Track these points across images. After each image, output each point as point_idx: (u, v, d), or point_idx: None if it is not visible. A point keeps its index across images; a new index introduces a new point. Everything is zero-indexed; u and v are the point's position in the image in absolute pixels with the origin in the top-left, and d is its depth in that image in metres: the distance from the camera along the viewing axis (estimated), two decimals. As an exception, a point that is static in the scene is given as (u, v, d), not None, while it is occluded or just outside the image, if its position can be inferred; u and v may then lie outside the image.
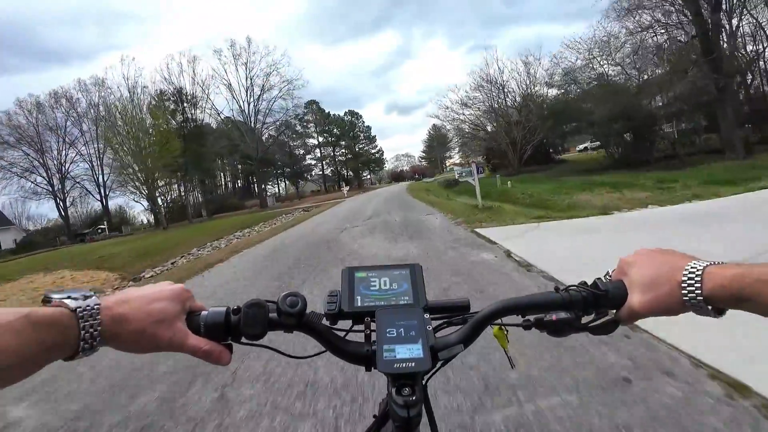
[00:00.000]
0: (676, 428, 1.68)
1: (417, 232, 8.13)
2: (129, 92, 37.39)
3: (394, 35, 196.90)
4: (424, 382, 0.55)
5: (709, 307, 0.46)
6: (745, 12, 18.73)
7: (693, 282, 0.46)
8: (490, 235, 6.54)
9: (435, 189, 29.38)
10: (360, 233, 9.65)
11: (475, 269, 4.71)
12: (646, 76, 21.63)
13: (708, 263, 0.47)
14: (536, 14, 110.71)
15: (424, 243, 6.79)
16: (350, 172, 76.01)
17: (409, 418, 0.48)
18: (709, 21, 17.37)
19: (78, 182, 49.43)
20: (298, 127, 66.55)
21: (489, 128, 27.03)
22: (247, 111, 48.63)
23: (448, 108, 28.67)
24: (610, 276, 0.59)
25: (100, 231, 51.15)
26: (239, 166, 62.14)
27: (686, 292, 0.47)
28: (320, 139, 71.36)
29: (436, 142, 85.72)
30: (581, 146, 47.54)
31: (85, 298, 0.45)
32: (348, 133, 73.18)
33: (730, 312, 0.47)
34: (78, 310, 0.43)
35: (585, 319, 0.57)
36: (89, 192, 50.34)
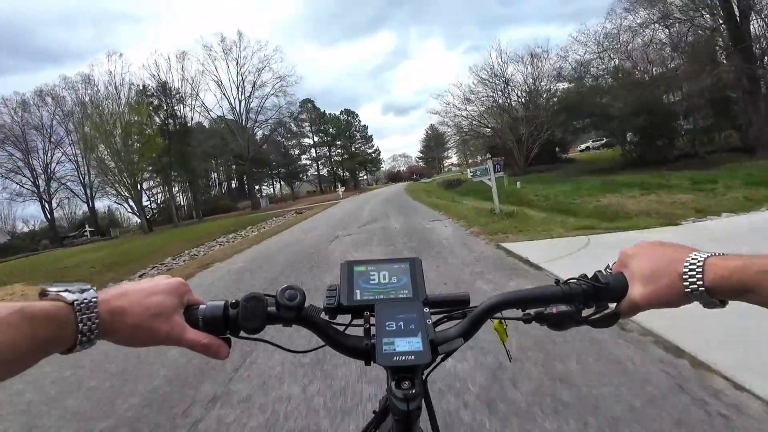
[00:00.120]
0: None
1: (424, 246, 6.45)
2: (115, 89, 35.77)
3: (390, 36, 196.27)
4: (423, 376, 0.56)
5: (712, 299, 0.45)
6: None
7: (694, 273, 0.46)
8: (526, 253, 4.85)
9: (435, 190, 27.86)
10: (353, 244, 8.00)
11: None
12: (660, 69, 20.20)
13: (709, 254, 0.46)
14: (532, 15, 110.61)
15: (436, 263, 5.11)
16: (346, 173, 74.19)
17: (408, 411, 0.47)
18: (737, 6, 15.86)
19: (63, 183, 47.43)
20: (293, 127, 64.75)
21: (493, 125, 25.30)
22: (238, 109, 46.74)
23: (449, 104, 26.97)
24: (611, 268, 0.58)
25: (85, 234, 49.34)
26: (233, 167, 60.08)
27: (687, 283, 0.46)
28: (315, 138, 69.56)
29: (434, 143, 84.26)
30: (583, 146, 46.04)
31: (83, 291, 0.45)
32: (344, 133, 71.36)
33: None
34: (75, 303, 0.43)
35: (586, 312, 0.56)
36: (75, 193, 48.32)
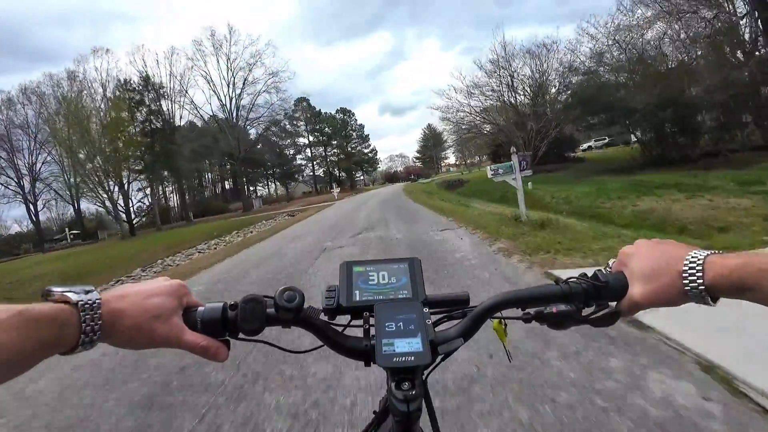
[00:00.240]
0: None
1: (438, 269, 4.80)
2: (101, 86, 33.82)
3: (387, 36, 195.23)
4: (423, 376, 0.55)
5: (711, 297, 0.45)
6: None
7: (694, 272, 0.45)
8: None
9: (436, 191, 26.31)
10: (344, 259, 6.33)
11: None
12: (680, 58, 18.77)
13: (709, 253, 0.46)
14: (529, 16, 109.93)
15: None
16: (342, 173, 72.42)
17: (408, 412, 0.47)
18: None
19: (48, 185, 45.33)
20: (287, 126, 62.92)
21: (499, 122, 23.61)
22: (228, 106, 44.83)
23: (452, 98, 25.24)
24: (611, 267, 0.58)
25: (65, 238, 47.31)
26: (227, 166, 57.96)
27: (687, 282, 0.46)
28: (311, 138, 67.75)
29: (432, 142, 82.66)
30: (585, 145, 44.53)
31: (87, 292, 0.45)
32: (340, 132, 69.58)
33: None
34: (80, 303, 0.43)
35: (586, 311, 0.56)
36: (60, 195, 46.21)
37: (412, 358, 0.49)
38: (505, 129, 22.74)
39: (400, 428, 0.51)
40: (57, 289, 0.44)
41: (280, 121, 56.13)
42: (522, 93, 23.61)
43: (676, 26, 18.27)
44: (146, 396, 2.62)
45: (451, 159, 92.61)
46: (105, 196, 27.19)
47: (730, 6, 16.37)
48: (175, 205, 52.81)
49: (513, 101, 23.67)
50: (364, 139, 74.47)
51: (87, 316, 0.43)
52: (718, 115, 18.69)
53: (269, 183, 71.19)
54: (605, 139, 43.00)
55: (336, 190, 35.23)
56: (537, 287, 0.58)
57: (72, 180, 41.79)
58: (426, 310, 0.57)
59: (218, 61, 44.91)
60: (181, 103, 41.63)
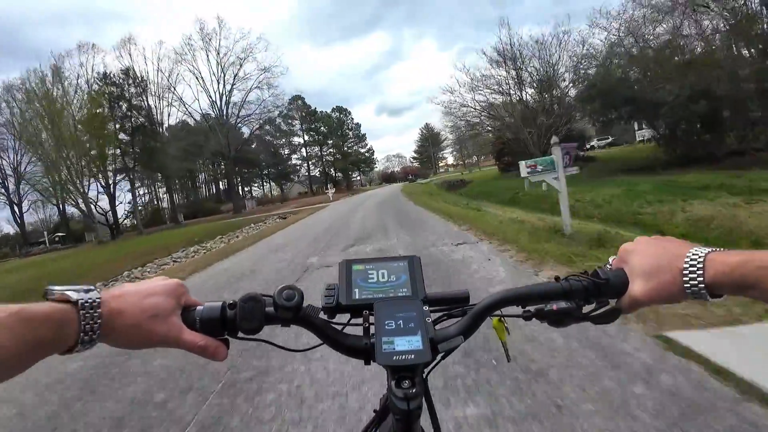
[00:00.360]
0: None
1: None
2: (86, 82, 31.91)
3: (384, 37, 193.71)
4: (424, 375, 0.55)
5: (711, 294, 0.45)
6: None
7: (695, 269, 0.45)
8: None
9: (437, 192, 24.71)
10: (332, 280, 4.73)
11: None
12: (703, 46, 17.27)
13: (710, 250, 0.46)
14: (526, 17, 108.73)
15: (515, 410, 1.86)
16: (339, 173, 70.65)
17: (409, 410, 0.46)
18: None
19: (32, 185, 43.34)
20: (282, 125, 61.14)
21: (505, 117, 22.00)
22: (218, 103, 42.95)
23: (455, 92, 23.59)
24: (611, 265, 0.57)
25: (55, 240, 45.45)
26: (222, 166, 55.91)
27: (688, 279, 0.45)
28: (306, 137, 66.00)
29: (430, 142, 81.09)
30: (587, 145, 43.16)
31: (87, 291, 0.44)
32: (336, 132, 67.86)
33: None
34: (80, 302, 0.43)
35: (586, 309, 0.55)
36: (43, 195, 44.23)
37: (412, 356, 0.49)
38: (512, 125, 21.15)
39: (401, 427, 0.50)
40: (57, 288, 0.43)
41: (275, 119, 54.32)
42: (530, 85, 22.05)
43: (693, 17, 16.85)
44: None
45: (450, 159, 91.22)
46: (77, 195, 25.24)
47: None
48: (168, 205, 50.95)
49: (520, 95, 22.08)
50: (361, 138, 72.81)
51: (87, 315, 0.42)
52: (745, 110, 17.22)
53: (264, 183, 69.40)
54: (608, 138, 41.94)
55: (331, 191, 33.63)
56: (537, 284, 0.57)
57: (56, 178, 40.01)
58: (426, 308, 0.56)
59: (207, 56, 42.96)
60: (170, 101, 39.79)
